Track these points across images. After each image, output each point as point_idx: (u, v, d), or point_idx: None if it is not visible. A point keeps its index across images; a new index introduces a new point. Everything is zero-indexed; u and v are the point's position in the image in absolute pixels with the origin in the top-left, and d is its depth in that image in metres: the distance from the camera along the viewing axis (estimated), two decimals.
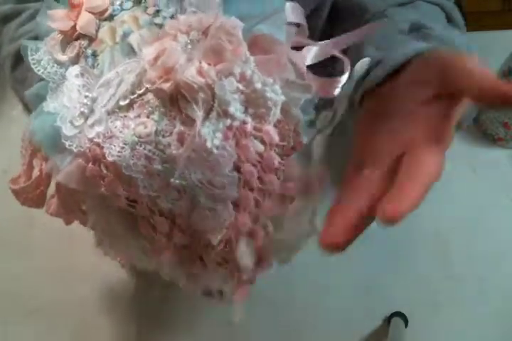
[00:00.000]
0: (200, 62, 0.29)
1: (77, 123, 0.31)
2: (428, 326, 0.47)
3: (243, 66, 0.29)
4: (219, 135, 0.28)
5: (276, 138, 0.29)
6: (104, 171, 0.29)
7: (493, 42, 0.54)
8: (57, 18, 0.37)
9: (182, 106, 0.29)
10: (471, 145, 0.51)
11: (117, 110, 0.31)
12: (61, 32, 0.36)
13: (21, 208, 0.53)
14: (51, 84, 0.36)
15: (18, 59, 0.47)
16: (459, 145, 0.52)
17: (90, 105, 0.32)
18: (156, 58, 0.30)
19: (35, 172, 0.37)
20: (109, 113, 0.31)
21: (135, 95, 0.31)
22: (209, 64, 0.29)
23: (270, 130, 0.29)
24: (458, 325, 0.46)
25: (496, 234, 0.49)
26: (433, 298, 0.48)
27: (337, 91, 0.32)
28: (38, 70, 0.37)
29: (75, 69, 0.35)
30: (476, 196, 0.49)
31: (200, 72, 0.28)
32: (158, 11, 0.35)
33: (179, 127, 0.28)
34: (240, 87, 0.28)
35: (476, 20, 0.76)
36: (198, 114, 0.28)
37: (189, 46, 0.31)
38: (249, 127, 0.28)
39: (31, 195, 0.37)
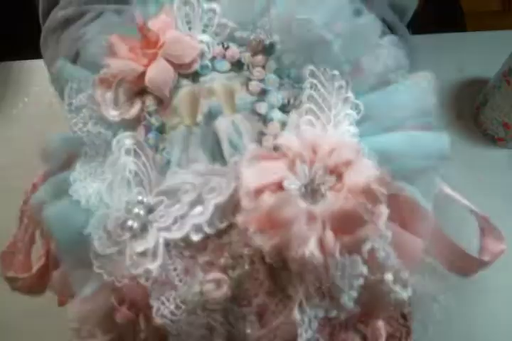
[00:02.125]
0: (324, 226, 0.21)
1: (117, 238, 0.24)
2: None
3: (377, 241, 0.22)
4: (314, 325, 0.22)
5: (383, 336, 0.24)
6: (142, 326, 0.23)
7: (493, 42, 0.57)
8: (120, 52, 0.28)
9: (277, 273, 0.22)
10: (471, 146, 0.53)
11: (182, 244, 0.23)
12: (121, 76, 0.27)
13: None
14: (87, 149, 0.27)
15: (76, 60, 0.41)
16: (458, 145, 0.54)
17: (143, 217, 0.24)
18: (259, 192, 0.22)
19: (38, 262, 0.29)
20: (170, 244, 0.23)
21: (213, 229, 0.23)
22: (334, 231, 0.21)
23: (381, 327, 0.24)
24: (458, 324, 0.46)
25: None
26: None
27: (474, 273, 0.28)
28: (75, 125, 0.27)
29: (127, 140, 0.26)
30: (476, 197, 0.52)
31: (321, 245, 0.21)
32: (265, 92, 0.27)
33: (263, 297, 0.22)
34: (364, 271, 0.22)
35: (476, 20, 0.79)
36: (298, 296, 0.21)
37: (309, 188, 0.23)
38: (353, 320, 0.23)
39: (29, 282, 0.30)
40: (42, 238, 0.32)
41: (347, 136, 0.26)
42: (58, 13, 0.37)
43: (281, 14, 0.27)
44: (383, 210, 0.23)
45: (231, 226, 0.24)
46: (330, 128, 0.26)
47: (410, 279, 0.23)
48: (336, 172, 0.23)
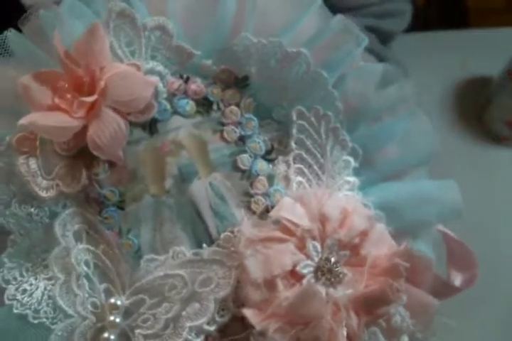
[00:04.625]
0: (348, 312, 0.21)
1: None
2: None
3: (393, 307, 0.23)
4: None
5: None
6: None
7: (497, 40, 0.62)
8: (41, 98, 0.22)
9: None
10: (475, 145, 0.58)
11: None
12: (49, 135, 0.22)
13: None
14: (15, 236, 0.23)
15: None
16: (462, 145, 0.59)
17: (120, 324, 0.21)
18: (270, 282, 0.21)
19: None
20: None
21: (214, 326, 0.21)
22: (357, 313, 0.21)
23: None
24: (458, 325, 0.56)
25: (500, 235, 0.54)
26: None
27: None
28: None
29: (73, 221, 0.22)
30: (480, 196, 0.53)
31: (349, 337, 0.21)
32: (243, 139, 0.25)
33: None
34: (382, 340, 0.23)
35: (480, 17, 0.87)
36: None
37: (325, 268, 0.21)
38: None
39: None
40: None
41: (346, 189, 0.25)
42: None
43: (257, 37, 0.24)
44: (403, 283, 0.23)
45: (234, 318, 0.22)
46: (325, 178, 0.25)
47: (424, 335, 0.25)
48: (350, 245, 0.23)
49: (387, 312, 0.22)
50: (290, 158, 0.25)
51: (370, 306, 0.22)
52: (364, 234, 0.22)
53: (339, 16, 0.25)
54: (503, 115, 0.54)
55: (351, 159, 0.25)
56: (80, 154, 0.23)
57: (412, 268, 0.25)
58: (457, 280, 0.29)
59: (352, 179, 0.25)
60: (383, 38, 0.29)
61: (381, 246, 0.23)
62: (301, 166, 0.25)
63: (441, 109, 0.61)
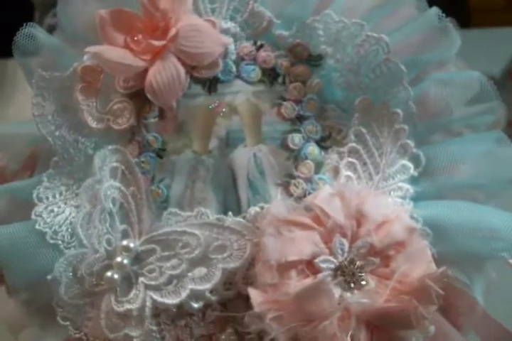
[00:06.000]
0: (359, 324, 0.20)
1: (91, 288, 0.22)
2: None
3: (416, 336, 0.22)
4: None
5: None
6: None
7: (498, 39, 0.62)
8: (114, 37, 0.23)
9: None
10: None
11: (174, 310, 0.22)
12: (113, 71, 0.23)
13: None
14: (59, 158, 0.24)
15: None
16: None
17: (127, 267, 0.22)
18: (285, 268, 0.20)
19: None
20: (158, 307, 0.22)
21: (217, 297, 0.22)
22: (370, 329, 0.21)
23: None
24: None
25: None
26: None
27: None
28: (44, 126, 0.24)
29: (113, 157, 0.23)
30: None
31: None
32: (301, 119, 0.25)
33: None
34: None
35: (480, 17, 0.88)
36: None
37: (347, 270, 0.21)
38: None
39: None
40: None
41: (397, 195, 0.24)
42: (46, 21, 0.38)
43: (341, 18, 0.24)
44: (433, 311, 0.21)
45: (239, 295, 0.22)
46: (377, 180, 0.24)
47: None
48: (382, 254, 0.22)
49: (406, 338, 0.21)
50: (345, 149, 0.24)
51: (386, 324, 0.21)
52: (400, 246, 0.21)
53: (435, 10, 0.24)
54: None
55: (411, 165, 0.24)
56: (136, 95, 0.24)
57: (452, 304, 0.24)
58: None
59: (406, 186, 0.24)
60: None
61: (417, 265, 0.21)
62: (355, 161, 0.24)
63: None
